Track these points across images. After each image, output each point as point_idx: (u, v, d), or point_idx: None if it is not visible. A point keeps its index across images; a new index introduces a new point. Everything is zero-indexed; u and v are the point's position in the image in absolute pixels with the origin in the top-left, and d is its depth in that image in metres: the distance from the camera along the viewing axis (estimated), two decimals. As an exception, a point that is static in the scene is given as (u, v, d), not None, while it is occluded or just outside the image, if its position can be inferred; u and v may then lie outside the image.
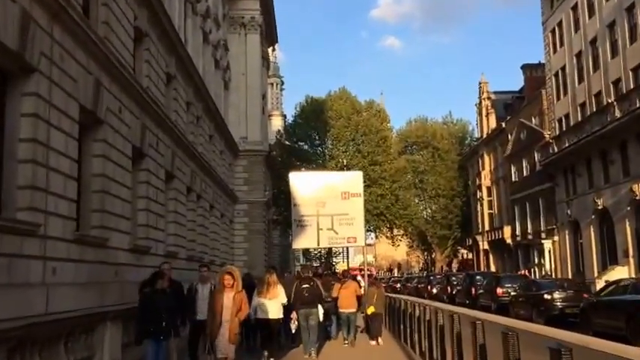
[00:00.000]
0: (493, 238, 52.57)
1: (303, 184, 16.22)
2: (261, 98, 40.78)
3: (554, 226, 39.38)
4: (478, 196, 55.07)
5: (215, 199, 28.66)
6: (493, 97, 55.01)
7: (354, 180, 16.23)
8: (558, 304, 19.99)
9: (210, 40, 29.09)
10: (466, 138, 67.30)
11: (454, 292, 32.03)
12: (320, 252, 65.17)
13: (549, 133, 39.60)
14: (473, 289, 27.15)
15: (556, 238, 39.36)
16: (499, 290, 23.55)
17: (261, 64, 40.56)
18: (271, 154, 41.28)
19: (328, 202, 15.99)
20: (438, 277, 39.98)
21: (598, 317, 15.10)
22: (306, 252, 69.49)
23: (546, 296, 20.21)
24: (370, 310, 14.32)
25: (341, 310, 14.02)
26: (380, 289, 15.44)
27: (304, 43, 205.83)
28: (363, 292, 15.08)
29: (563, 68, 38.21)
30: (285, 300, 11.58)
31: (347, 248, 62.71)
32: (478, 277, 28.63)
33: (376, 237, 76.96)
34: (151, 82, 17.05)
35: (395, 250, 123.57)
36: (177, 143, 20.23)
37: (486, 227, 55.28)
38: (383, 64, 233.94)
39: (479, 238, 55.87)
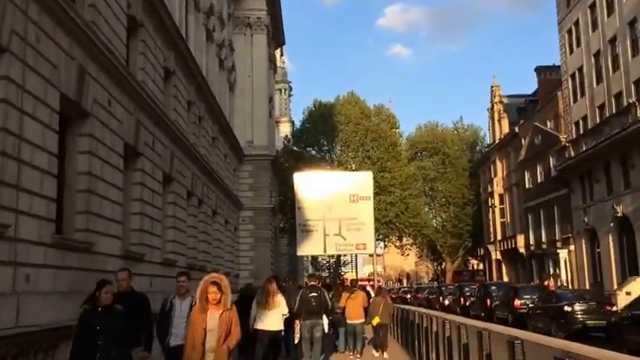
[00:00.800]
0: (506, 247, 51.11)
1: (309, 185, 15.04)
2: (268, 101, 39.71)
3: (570, 235, 37.96)
4: (490, 204, 53.60)
5: (218, 204, 27.53)
6: (506, 100, 53.62)
7: (363, 181, 15.01)
8: (580, 317, 18.69)
9: (214, 39, 28.06)
10: (477, 144, 65.88)
11: (468, 304, 30.75)
12: (328, 261, 63.96)
13: (565, 136, 38.24)
14: (488, 301, 25.81)
15: (572, 247, 37.92)
16: (517, 302, 22.17)
17: (267, 66, 39.50)
18: (278, 159, 40.13)
19: (335, 206, 14.83)
20: (450, 287, 38.60)
21: (633, 333, 13.77)
22: (314, 261, 68.39)
23: (567, 308, 18.92)
24: (375, 320, 13.88)
25: (348, 321, 13.69)
26: (386, 299, 14.92)
27: (311, 53, 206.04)
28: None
29: (580, 69, 36.86)
30: (286, 311, 10.81)
31: (356, 257, 61.60)
32: (493, 288, 27.28)
33: (385, 246, 75.61)
34: (147, 75, 15.98)
35: (404, 260, 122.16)
36: (177, 144, 19.14)
37: (498, 236, 53.81)
38: (390, 73, 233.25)
39: (491, 247, 54.42)
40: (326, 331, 12.00)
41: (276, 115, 75.85)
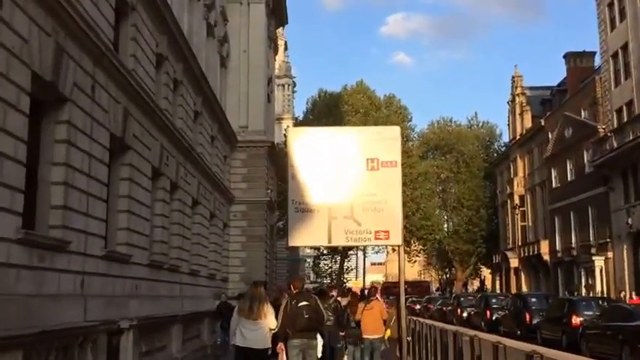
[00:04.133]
0: (526, 254, 46.23)
1: (308, 145, 10.21)
2: (267, 83, 35.02)
3: (609, 240, 33.14)
4: (512, 205, 48.73)
5: (201, 192, 22.83)
6: (528, 92, 48.87)
7: (387, 140, 10.31)
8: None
9: (200, -4, 23.52)
10: (493, 143, 61.25)
11: (495, 318, 25.99)
12: (331, 267, 59.11)
13: (604, 126, 33.47)
14: (527, 315, 21.05)
15: (610, 253, 33.09)
16: (575, 319, 17.25)
17: (267, 42, 34.82)
18: (277, 147, 35.39)
19: (346, 175, 10.04)
20: (470, 297, 33.78)
21: None
22: (316, 267, 63.57)
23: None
24: (387, 333, 12.82)
25: (364, 336, 12.21)
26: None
27: (313, 60, 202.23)
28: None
29: (624, 47, 32.01)
30: (274, 324, 8.88)
31: (364, 260, 56.68)
32: (533, 300, 22.47)
33: (387, 253, 71.09)
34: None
35: (410, 268, 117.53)
36: (131, 97, 14.48)
37: (518, 242, 48.98)
38: (394, 79, 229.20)
39: (509, 254, 49.53)
40: (319, 354, 9.34)
41: (279, 112, 71.20)
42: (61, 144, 10.29)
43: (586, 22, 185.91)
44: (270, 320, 8.85)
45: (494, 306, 26.65)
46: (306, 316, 8.65)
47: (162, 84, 17.73)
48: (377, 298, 13.20)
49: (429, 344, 12.39)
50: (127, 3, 14.25)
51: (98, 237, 11.90)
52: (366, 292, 16.06)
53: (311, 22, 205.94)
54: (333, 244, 10.34)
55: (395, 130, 10.56)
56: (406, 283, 44.01)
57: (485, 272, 74.08)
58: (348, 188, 10.08)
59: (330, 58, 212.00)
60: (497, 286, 68.66)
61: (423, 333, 13.26)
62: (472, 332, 9.60)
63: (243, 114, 31.91)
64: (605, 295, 31.30)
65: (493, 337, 7.86)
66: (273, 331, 8.88)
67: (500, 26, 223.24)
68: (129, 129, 14.02)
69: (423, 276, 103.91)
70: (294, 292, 9.13)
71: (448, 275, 75.61)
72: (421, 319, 16.67)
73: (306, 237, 10.29)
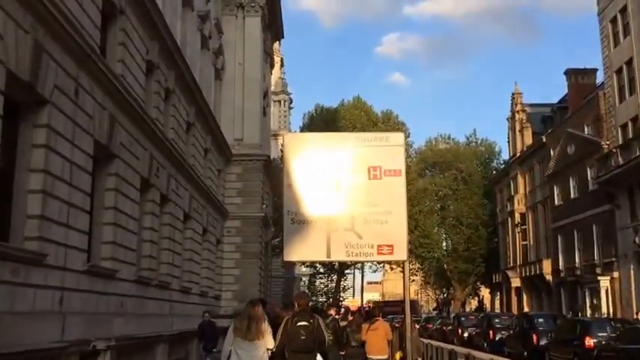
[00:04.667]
0: (528, 273, 45.20)
1: (306, 151, 9.36)
2: (262, 96, 34.24)
3: (614, 259, 32.21)
4: (513, 223, 47.75)
5: (193, 207, 21.93)
6: (529, 109, 48.18)
7: (390, 147, 9.46)
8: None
9: (194, 6, 22.81)
10: (492, 160, 60.47)
11: (498, 338, 25.00)
12: (327, 285, 57.83)
13: (608, 143, 32.70)
14: (534, 336, 20.05)
15: (616, 273, 32.14)
16: (588, 340, 16.24)
17: (262, 56, 34.08)
18: (273, 162, 34.52)
19: (346, 184, 9.19)
20: (471, 317, 32.70)
21: None
22: (311, 285, 62.33)
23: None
24: (398, 355, 12.44)
25: (370, 356, 11.89)
26: (413, 330, 13.21)
27: (309, 80, 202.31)
28: None
29: (629, 62, 31.36)
30: (271, 344, 8.40)
31: (362, 276, 55.37)
32: (540, 320, 21.47)
33: (384, 272, 69.56)
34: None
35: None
36: (118, 103, 13.61)
37: (518, 261, 47.98)
38: (390, 99, 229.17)
39: (510, 273, 48.48)
40: None
41: (275, 128, 70.35)
42: (40, 149, 9.60)
43: (582, 40, 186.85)
44: (267, 340, 8.32)
45: (498, 326, 25.65)
46: (302, 337, 8.17)
47: (152, 92, 16.92)
48: (379, 318, 12.91)
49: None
50: (115, 5, 13.48)
51: (80, 250, 10.98)
52: (362, 311, 15.71)
53: (307, 41, 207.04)
54: (333, 259, 9.44)
55: (399, 137, 9.67)
56: (392, 302, 42.85)
57: (484, 292, 72.98)
58: (348, 198, 9.20)
59: (326, 78, 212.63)
60: (496, 306, 67.61)
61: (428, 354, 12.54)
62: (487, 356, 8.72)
63: (238, 127, 31.08)
64: (612, 316, 30.34)
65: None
66: (270, 351, 8.41)
67: (496, 45, 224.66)
68: (115, 137, 13.18)
69: (420, 295, 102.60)
70: (297, 309, 8.61)
71: (445, 294, 74.51)
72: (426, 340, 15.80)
73: (304, 251, 9.37)
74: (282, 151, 49.71)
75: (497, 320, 26.68)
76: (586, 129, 36.16)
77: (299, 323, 8.24)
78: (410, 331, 12.03)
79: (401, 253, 9.30)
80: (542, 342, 19.55)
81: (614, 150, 30.82)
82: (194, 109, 22.10)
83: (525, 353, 20.46)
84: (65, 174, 10.30)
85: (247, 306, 8.70)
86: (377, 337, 11.93)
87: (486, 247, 56.34)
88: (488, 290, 67.77)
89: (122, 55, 13.94)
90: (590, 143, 34.66)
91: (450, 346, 16.81)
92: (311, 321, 8.30)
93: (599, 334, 16.55)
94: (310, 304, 11.47)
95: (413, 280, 67.04)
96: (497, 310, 63.20)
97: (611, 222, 32.36)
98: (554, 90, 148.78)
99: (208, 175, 25.48)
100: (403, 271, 9.67)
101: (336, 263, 50.35)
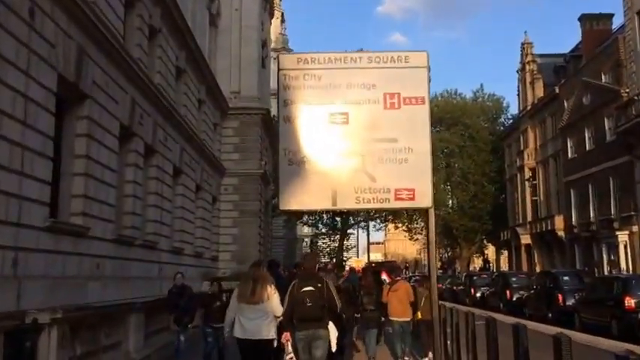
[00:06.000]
0: (538, 230, 43.60)
1: (306, 77, 7.58)
2: (261, 46, 32.21)
3: (633, 213, 30.54)
4: (524, 178, 45.98)
5: (185, 160, 20.22)
6: (539, 60, 45.90)
7: (411, 69, 7.66)
8: None
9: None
10: (500, 116, 58.46)
11: (515, 299, 23.52)
12: (329, 245, 56.24)
13: (628, 90, 30.68)
14: (559, 296, 18.47)
15: (635, 227, 30.49)
16: (629, 301, 14.55)
17: (261, 2, 31.92)
18: (273, 118, 32.63)
19: (356, 115, 7.40)
20: (484, 276, 31.22)
21: None
22: (313, 245, 60.82)
23: None
24: (417, 316, 11.71)
25: (392, 318, 11.38)
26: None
27: (311, 38, 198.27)
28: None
29: (654, 0, 29.19)
30: (280, 311, 7.26)
31: (367, 237, 53.63)
32: (565, 278, 19.84)
33: (385, 233, 67.88)
34: None
35: (407, 248, 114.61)
36: (88, 33, 11.76)
37: (528, 218, 46.38)
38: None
39: (520, 230, 46.93)
40: (333, 348, 7.42)
41: (275, 87, 68.07)
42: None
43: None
44: (274, 305, 7.39)
45: (515, 285, 24.14)
46: (308, 304, 7.09)
47: (134, 28, 15.08)
48: (400, 279, 12.21)
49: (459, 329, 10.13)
50: None
51: (39, 204, 9.34)
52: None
53: (306, 4, 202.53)
54: (339, 207, 7.56)
55: (421, 57, 7.71)
56: (374, 263, 40.68)
57: (489, 250, 71.75)
58: (359, 133, 7.39)
59: (326, 37, 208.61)
60: (502, 264, 66.30)
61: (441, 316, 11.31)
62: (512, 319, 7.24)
63: (235, 78, 29.22)
64: (631, 272, 28.82)
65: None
66: (279, 319, 7.49)
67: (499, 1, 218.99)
68: (87, 73, 11.37)
69: (422, 255, 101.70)
70: (303, 273, 7.58)
71: (450, 254, 73.51)
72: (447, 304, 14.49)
73: (304, 198, 7.52)
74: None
75: (514, 279, 25.17)
76: (603, 77, 34.05)
77: (304, 289, 7.14)
78: (426, 292, 11.07)
79: (424, 199, 7.46)
80: (569, 302, 17.97)
81: (635, 97, 28.83)
82: (184, 53, 20.21)
83: (550, 315, 18.91)
84: (17, 111, 8.75)
85: (250, 268, 7.87)
86: (399, 298, 11.34)
87: (493, 204, 54.87)
88: (493, 249, 66.58)
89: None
90: (608, 92, 32.59)
91: (465, 308, 15.38)
92: (318, 285, 7.15)
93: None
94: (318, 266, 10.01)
95: (417, 239, 65.83)
96: (503, 268, 62.01)
97: (629, 174, 30.54)
98: (564, 42, 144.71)
99: (203, 129, 23.72)
100: (427, 222, 7.96)
101: (339, 222, 48.78)
